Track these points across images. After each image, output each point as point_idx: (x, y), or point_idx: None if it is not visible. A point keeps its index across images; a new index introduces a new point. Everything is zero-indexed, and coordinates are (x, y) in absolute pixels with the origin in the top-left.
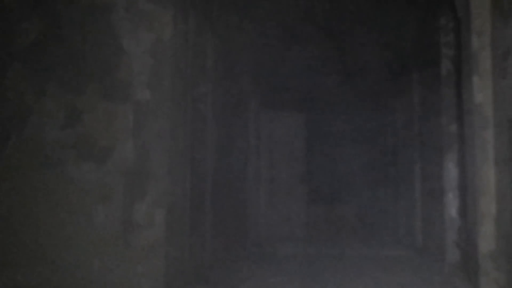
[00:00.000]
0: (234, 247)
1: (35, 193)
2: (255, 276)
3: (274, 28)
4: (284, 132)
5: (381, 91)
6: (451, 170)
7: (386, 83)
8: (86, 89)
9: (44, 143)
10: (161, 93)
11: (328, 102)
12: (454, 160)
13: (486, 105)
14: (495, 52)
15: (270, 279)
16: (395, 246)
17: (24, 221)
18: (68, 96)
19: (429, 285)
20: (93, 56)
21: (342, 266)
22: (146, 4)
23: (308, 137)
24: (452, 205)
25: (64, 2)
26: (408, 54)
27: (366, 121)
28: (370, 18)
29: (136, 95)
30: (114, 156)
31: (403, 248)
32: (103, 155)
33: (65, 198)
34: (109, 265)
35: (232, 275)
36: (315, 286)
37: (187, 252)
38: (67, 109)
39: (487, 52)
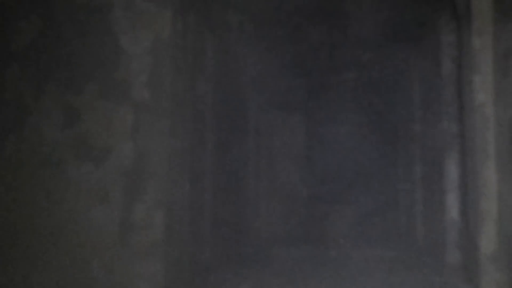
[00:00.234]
0: (234, 247)
1: (33, 193)
2: (254, 276)
3: (274, 28)
4: (284, 132)
5: (381, 91)
6: (451, 171)
7: (386, 83)
8: (84, 89)
9: (43, 143)
10: (160, 93)
11: (328, 102)
12: (455, 160)
13: (487, 105)
14: (496, 51)
15: (270, 279)
16: (395, 246)
17: (22, 221)
18: (66, 96)
19: (430, 285)
20: (91, 56)
21: (342, 267)
22: (145, 3)
23: (308, 137)
24: (452, 206)
25: (62, 1)
26: (408, 54)
27: (366, 121)
28: (370, 17)
29: (135, 95)
30: (113, 156)
31: (403, 248)
32: (102, 155)
33: (63, 198)
34: (107, 266)
35: (231, 275)
36: (315, 287)
37: (186, 252)
38: (66, 109)
39: (488, 51)
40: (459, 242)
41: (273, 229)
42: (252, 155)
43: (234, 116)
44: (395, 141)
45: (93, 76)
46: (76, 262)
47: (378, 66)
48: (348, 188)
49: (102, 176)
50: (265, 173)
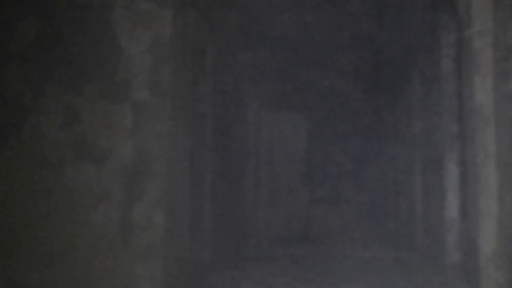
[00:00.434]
0: (234, 247)
1: (34, 194)
2: (255, 276)
3: (274, 28)
4: (284, 132)
5: (381, 91)
6: (451, 170)
7: (386, 83)
8: (84, 89)
9: (43, 144)
10: (160, 93)
11: (328, 103)
12: (455, 160)
13: (487, 104)
14: (497, 51)
15: (270, 280)
16: (395, 246)
17: (23, 222)
18: (66, 96)
19: (429, 285)
20: (91, 56)
21: (342, 267)
22: (145, 4)
23: (308, 137)
24: (452, 205)
25: (62, 1)
26: (409, 54)
27: (367, 121)
28: (371, 18)
29: (135, 95)
30: (113, 156)
31: (403, 248)
32: (102, 155)
33: (64, 199)
34: (108, 266)
35: (231, 276)
36: (315, 287)
37: (186, 252)
38: (66, 109)
39: (489, 51)
40: (459, 242)
41: (273, 229)
42: (252, 154)
43: (234, 116)
44: (395, 141)
45: (93, 76)
46: (76, 262)
47: (378, 66)
48: (348, 188)
49: (102, 176)
50: (265, 173)
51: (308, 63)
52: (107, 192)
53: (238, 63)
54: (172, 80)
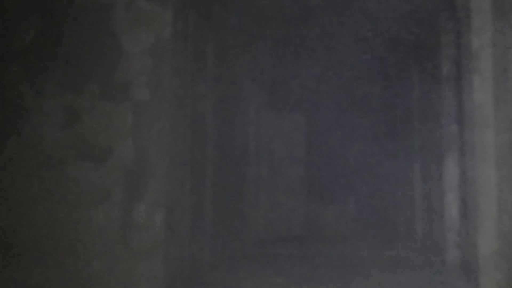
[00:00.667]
0: (234, 247)
1: (34, 193)
2: (255, 276)
3: (274, 28)
4: (284, 132)
5: (381, 92)
6: (451, 170)
7: (386, 84)
8: (85, 89)
9: (43, 144)
10: (160, 93)
11: (328, 103)
12: (454, 160)
13: (487, 105)
14: (496, 51)
15: (270, 279)
16: (395, 246)
17: (23, 221)
18: (67, 96)
19: (429, 285)
20: (92, 56)
21: (342, 266)
22: (145, 4)
23: (308, 137)
24: (452, 205)
25: (63, 1)
26: (408, 54)
27: (366, 121)
28: (370, 17)
29: (136, 95)
30: (113, 156)
31: (403, 248)
32: (103, 155)
33: (64, 198)
34: (108, 266)
35: (232, 275)
36: (315, 286)
37: (187, 252)
38: (66, 109)
39: (488, 52)
40: (458, 241)
41: (273, 228)
42: (252, 154)
43: (234, 116)
44: (395, 141)
45: (93, 76)
46: (77, 262)
47: (378, 65)
48: (347, 187)
49: (103, 176)
50: (265, 173)
51: (308, 63)
52: (107, 191)
53: (238, 63)
54: (172, 80)
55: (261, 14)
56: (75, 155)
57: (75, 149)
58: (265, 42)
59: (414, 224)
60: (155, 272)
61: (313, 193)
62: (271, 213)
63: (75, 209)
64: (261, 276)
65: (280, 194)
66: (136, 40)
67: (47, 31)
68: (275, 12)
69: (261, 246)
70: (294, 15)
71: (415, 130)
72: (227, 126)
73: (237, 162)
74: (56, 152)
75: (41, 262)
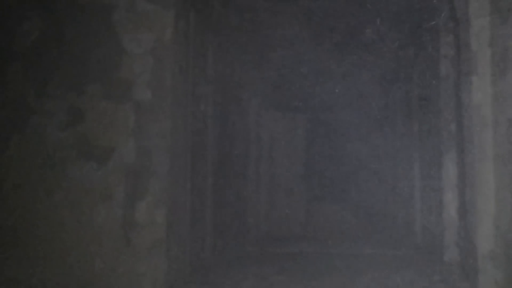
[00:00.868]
0: (235, 245)
1: (36, 193)
2: (255, 275)
3: (274, 28)
4: (284, 132)
5: (381, 92)
6: (450, 170)
7: (385, 84)
8: (87, 89)
9: (45, 143)
10: (162, 93)
11: (328, 103)
12: (453, 160)
13: (485, 104)
14: (494, 52)
15: (270, 278)
16: (395, 245)
17: (25, 221)
18: (69, 96)
19: (428, 283)
20: (94, 56)
21: (342, 265)
22: (147, 5)
23: (308, 137)
24: (451, 205)
25: (65, 2)
26: (408, 55)
27: (366, 121)
28: (370, 18)
29: (137, 95)
30: (115, 155)
31: (403, 247)
32: (104, 154)
33: (66, 198)
34: (110, 265)
35: (232, 274)
36: (315, 285)
37: (187, 251)
38: (68, 109)
39: (486, 52)
40: (457, 240)
41: (273, 227)
42: (252, 154)
43: (234, 116)
44: (394, 141)
45: (95, 77)
46: (79, 261)
47: (377, 66)
48: (347, 186)
49: (104, 176)
50: (265, 172)
51: (308, 63)
52: (109, 191)
53: (238, 63)
54: (174, 80)
55: (261, 14)
56: (77, 155)
57: (77, 148)
58: (266, 42)
59: (413, 223)
60: (156, 270)
61: (313, 192)
62: (271, 212)
63: (77, 209)
64: (262, 275)
65: (280, 193)
66: (137, 41)
67: (49, 31)
68: (275, 12)
69: (261, 245)
70: (294, 15)
71: (414, 130)
72: (228, 125)
73: (238, 161)
74: (58, 151)
75: (43, 261)
